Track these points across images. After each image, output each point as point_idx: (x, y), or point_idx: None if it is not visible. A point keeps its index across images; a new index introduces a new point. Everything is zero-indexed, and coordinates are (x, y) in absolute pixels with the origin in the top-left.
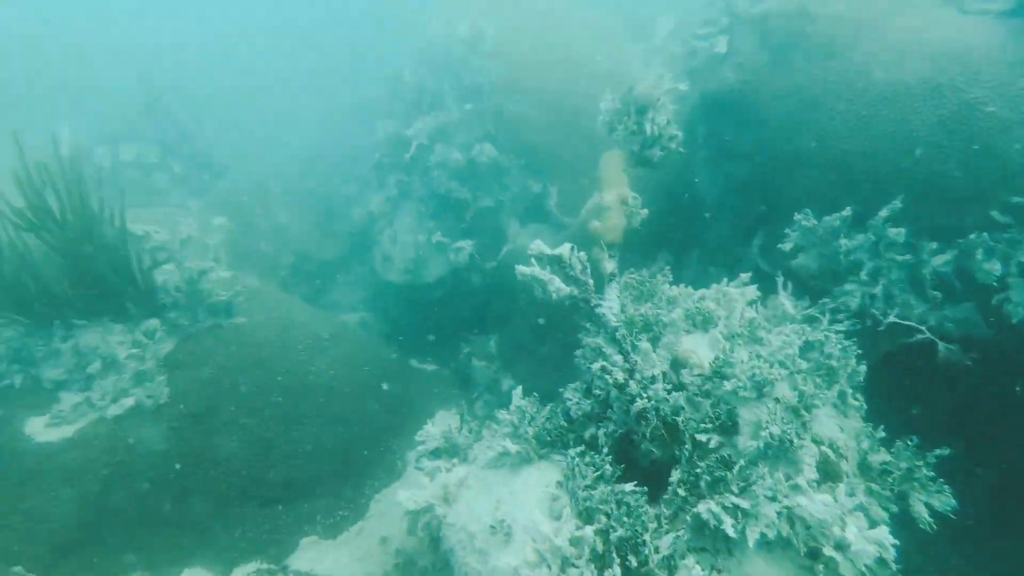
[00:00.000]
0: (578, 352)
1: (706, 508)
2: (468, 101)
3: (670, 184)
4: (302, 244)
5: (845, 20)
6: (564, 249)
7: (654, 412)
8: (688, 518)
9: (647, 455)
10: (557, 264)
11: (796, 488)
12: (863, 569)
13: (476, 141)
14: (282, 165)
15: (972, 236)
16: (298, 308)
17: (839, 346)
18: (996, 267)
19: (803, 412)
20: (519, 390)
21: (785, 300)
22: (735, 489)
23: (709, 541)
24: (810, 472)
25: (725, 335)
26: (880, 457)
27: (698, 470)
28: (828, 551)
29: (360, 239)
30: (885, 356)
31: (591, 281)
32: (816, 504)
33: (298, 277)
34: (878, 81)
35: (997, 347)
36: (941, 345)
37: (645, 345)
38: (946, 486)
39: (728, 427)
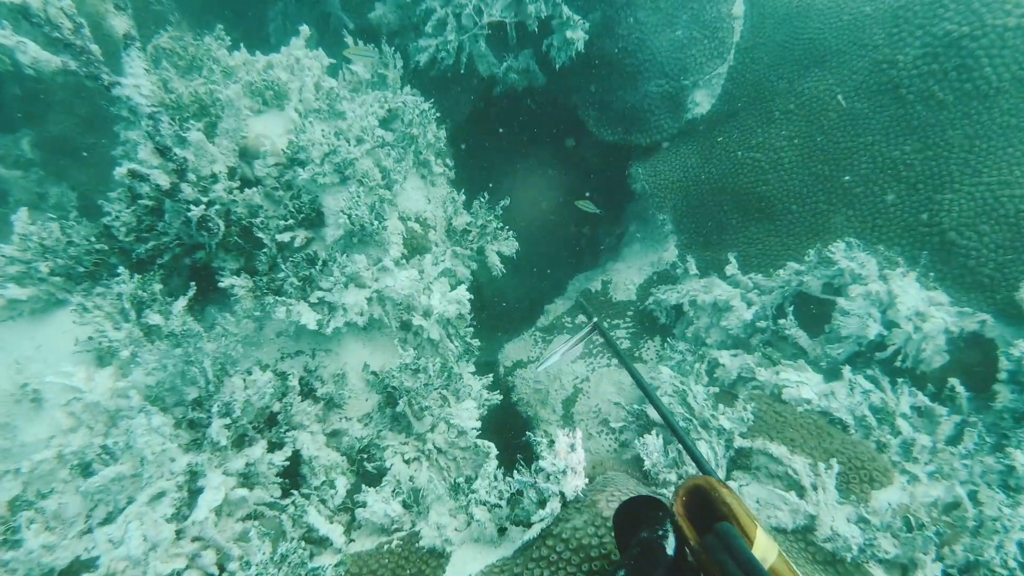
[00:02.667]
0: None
1: (285, 309)
2: None
3: None
4: None
5: None
6: None
7: (222, 217)
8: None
9: (223, 269)
10: (27, 18)
11: (384, 270)
12: (446, 327)
13: None
14: None
15: None
16: None
17: (417, 111)
18: (541, 8)
19: (386, 191)
20: (23, 212)
21: (354, 67)
22: (324, 285)
23: (305, 343)
24: (396, 251)
25: (302, 112)
26: (462, 220)
27: (281, 274)
28: (417, 320)
29: None
30: (473, 111)
31: (95, 47)
32: (401, 281)
33: None
34: None
35: (551, 93)
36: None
37: (196, 136)
38: (511, 231)
39: (314, 219)
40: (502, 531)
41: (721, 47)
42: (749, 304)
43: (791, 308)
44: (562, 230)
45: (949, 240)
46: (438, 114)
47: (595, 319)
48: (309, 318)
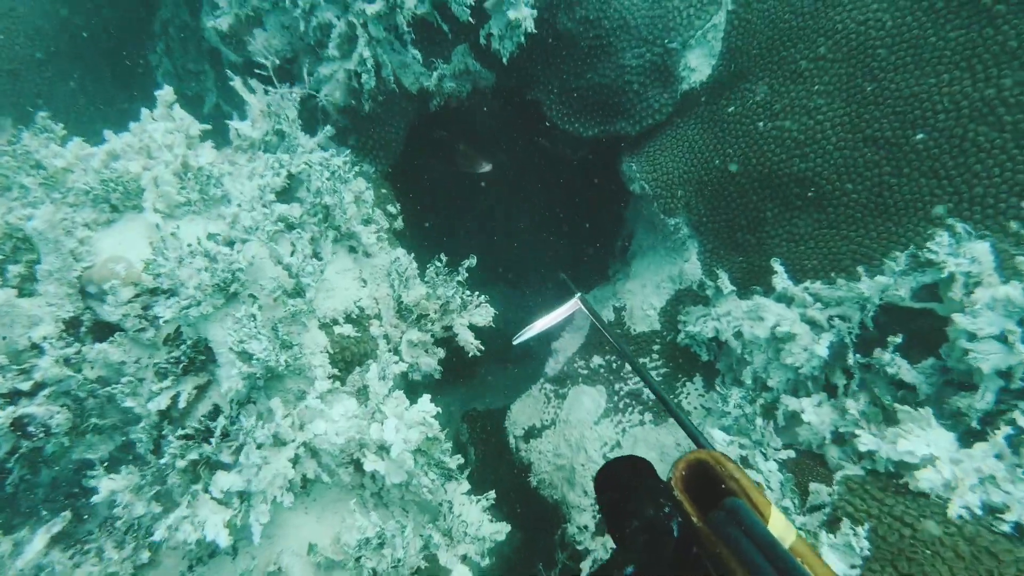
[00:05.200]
0: None
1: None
2: None
3: None
4: None
5: None
6: None
7: (60, 401)
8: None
9: (92, 469)
10: None
11: (309, 410)
12: (415, 456)
13: None
14: None
15: None
16: None
17: (325, 173)
18: None
19: (296, 299)
20: None
21: (240, 125)
22: (227, 459)
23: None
24: (322, 381)
25: (165, 212)
26: (416, 294)
27: (165, 459)
28: (370, 462)
29: None
30: (410, 140)
31: None
32: (335, 422)
33: None
34: None
35: (505, 92)
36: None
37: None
38: (482, 300)
39: (203, 361)
40: None
41: None
42: (816, 328)
43: (874, 329)
44: (551, 247)
45: None
46: (362, 165)
47: (579, 293)
48: (216, 530)
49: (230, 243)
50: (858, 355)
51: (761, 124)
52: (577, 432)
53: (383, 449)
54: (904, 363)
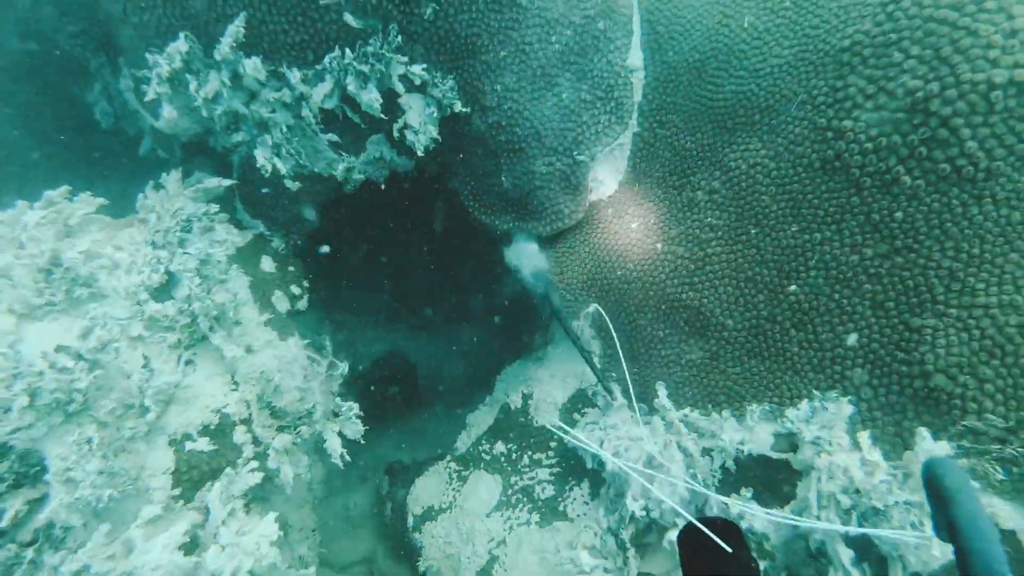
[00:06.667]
0: None
1: None
2: None
3: None
4: None
5: None
6: None
7: None
8: None
9: None
10: None
11: (129, 545)
12: None
13: None
14: None
15: (327, 60)
16: None
17: (196, 280)
18: (375, 96)
19: (138, 420)
20: None
21: (149, 196)
22: None
23: None
24: (154, 507)
25: (20, 312)
26: (288, 399)
27: None
28: None
29: None
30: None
31: None
32: (156, 556)
33: None
34: None
35: (423, 180)
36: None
37: None
38: (353, 412)
39: (36, 473)
40: None
41: (619, 109)
42: (688, 459)
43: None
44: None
45: (936, 387)
46: (273, 239)
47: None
48: None
49: (79, 357)
50: (721, 498)
51: (660, 245)
52: (469, 522)
53: None
54: (759, 510)
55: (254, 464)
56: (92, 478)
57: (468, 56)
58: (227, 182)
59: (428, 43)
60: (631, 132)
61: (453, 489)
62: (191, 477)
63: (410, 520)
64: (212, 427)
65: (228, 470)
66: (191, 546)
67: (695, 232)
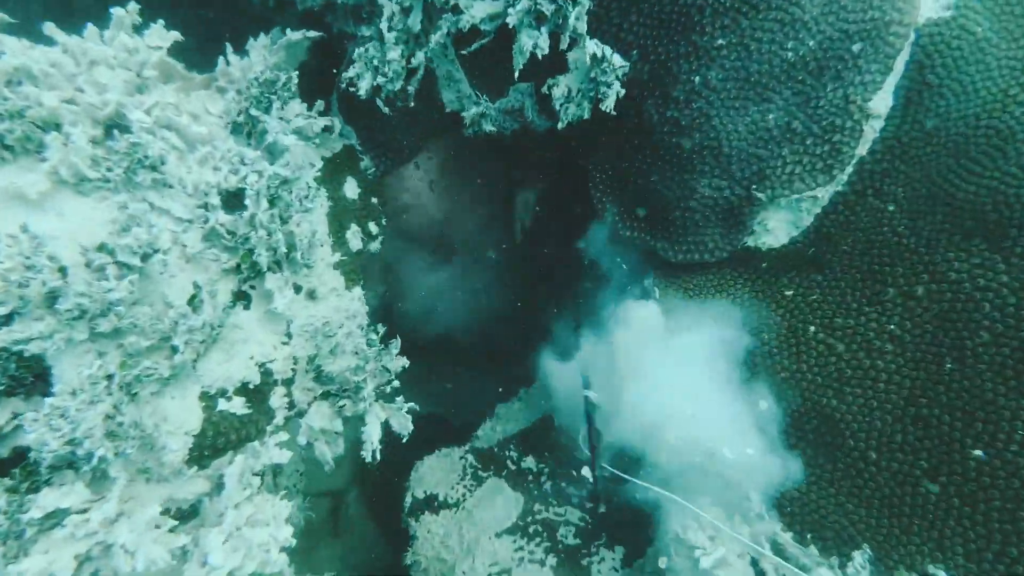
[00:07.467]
0: None
1: None
2: None
3: None
4: None
5: None
6: None
7: None
8: None
9: None
10: None
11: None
12: None
13: None
14: None
15: None
16: None
17: (277, 205)
18: (541, 41)
19: (171, 359)
20: None
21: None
22: None
23: None
24: (176, 456)
25: (70, 181)
26: (341, 363)
27: None
28: None
29: None
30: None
31: None
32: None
33: None
34: None
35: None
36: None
37: None
38: (406, 408)
39: (31, 384)
40: None
41: (834, 157)
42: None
43: None
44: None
45: None
46: (363, 160)
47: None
48: None
49: (120, 263)
50: None
51: (813, 328)
52: (475, 533)
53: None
54: None
55: (283, 436)
56: (98, 433)
57: (676, 29)
58: (312, 34)
59: None
60: (833, 188)
61: (465, 487)
62: (214, 445)
63: (408, 499)
64: (252, 386)
65: (256, 444)
66: (190, 514)
67: (867, 335)
